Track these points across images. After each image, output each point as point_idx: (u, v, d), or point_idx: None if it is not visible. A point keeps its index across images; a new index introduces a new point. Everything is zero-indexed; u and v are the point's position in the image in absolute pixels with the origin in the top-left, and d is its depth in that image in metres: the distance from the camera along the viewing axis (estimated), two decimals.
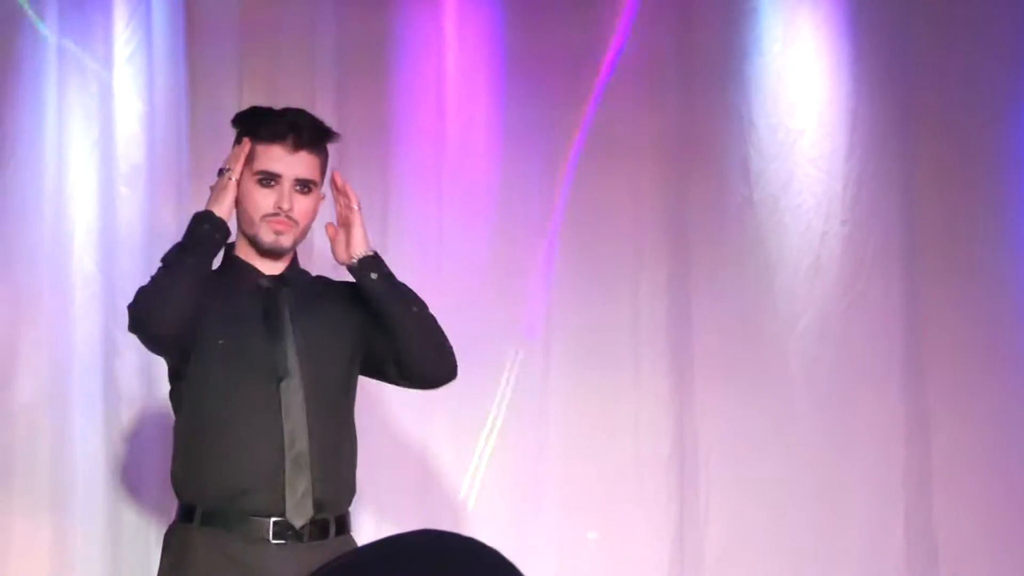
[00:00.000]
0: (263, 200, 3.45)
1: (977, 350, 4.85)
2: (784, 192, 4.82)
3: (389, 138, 4.69)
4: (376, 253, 3.51)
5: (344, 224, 3.52)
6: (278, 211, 3.44)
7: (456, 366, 3.56)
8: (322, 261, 3.72)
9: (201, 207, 3.48)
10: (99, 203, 4.45)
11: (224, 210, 3.44)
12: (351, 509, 3.52)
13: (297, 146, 3.45)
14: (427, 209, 4.69)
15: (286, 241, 3.47)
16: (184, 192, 4.38)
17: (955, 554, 4.78)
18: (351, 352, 3.53)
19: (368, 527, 4.34)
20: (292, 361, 3.43)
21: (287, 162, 3.45)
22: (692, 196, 4.80)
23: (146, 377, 4.31)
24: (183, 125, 4.50)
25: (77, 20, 4.46)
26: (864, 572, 4.76)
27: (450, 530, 2.03)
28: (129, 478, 4.40)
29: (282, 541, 3.37)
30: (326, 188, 3.55)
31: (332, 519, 3.44)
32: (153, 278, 3.38)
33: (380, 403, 4.52)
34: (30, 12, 4.44)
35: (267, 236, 3.46)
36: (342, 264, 3.53)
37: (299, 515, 3.38)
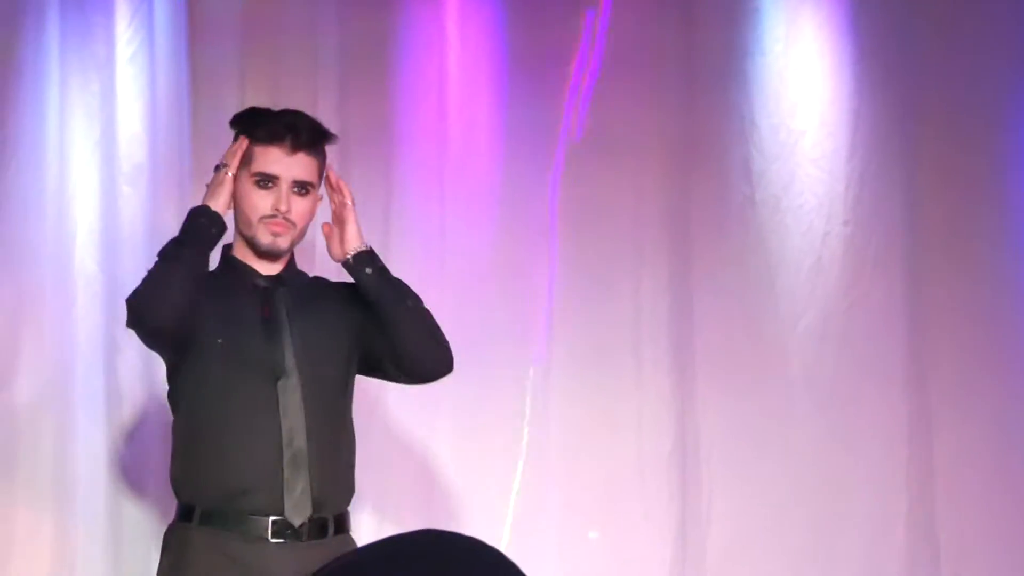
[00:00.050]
0: (261, 201, 3.45)
1: (979, 350, 4.85)
2: (786, 192, 4.82)
3: (391, 137, 4.69)
4: (371, 248, 3.52)
5: (339, 221, 3.53)
6: (276, 213, 3.45)
7: (452, 359, 3.57)
8: (324, 262, 3.72)
9: None
10: (101, 203, 4.45)
11: (220, 205, 3.45)
12: (350, 509, 3.52)
13: (295, 148, 3.45)
14: (429, 208, 4.69)
15: (283, 243, 3.48)
16: (186, 192, 4.38)
17: (957, 553, 4.78)
18: (348, 352, 3.53)
19: (369, 527, 4.34)
20: (290, 360, 3.44)
21: (285, 164, 3.45)
22: (694, 195, 4.80)
23: (148, 376, 4.31)
24: (185, 125, 4.50)
25: (79, 20, 4.46)
26: (866, 571, 4.76)
27: (451, 530, 2.03)
28: (131, 477, 4.40)
29: (281, 540, 3.38)
30: (323, 188, 3.55)
31: (331, 518, 3.44)
32: (150, 272, 3.39)
33: (381, 403, 4.52)
34: None
35: (265, 238, 3.47)
36: (337, 261, 3.54)
37: (298, 514, 3.38)
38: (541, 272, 4.73)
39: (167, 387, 3.53)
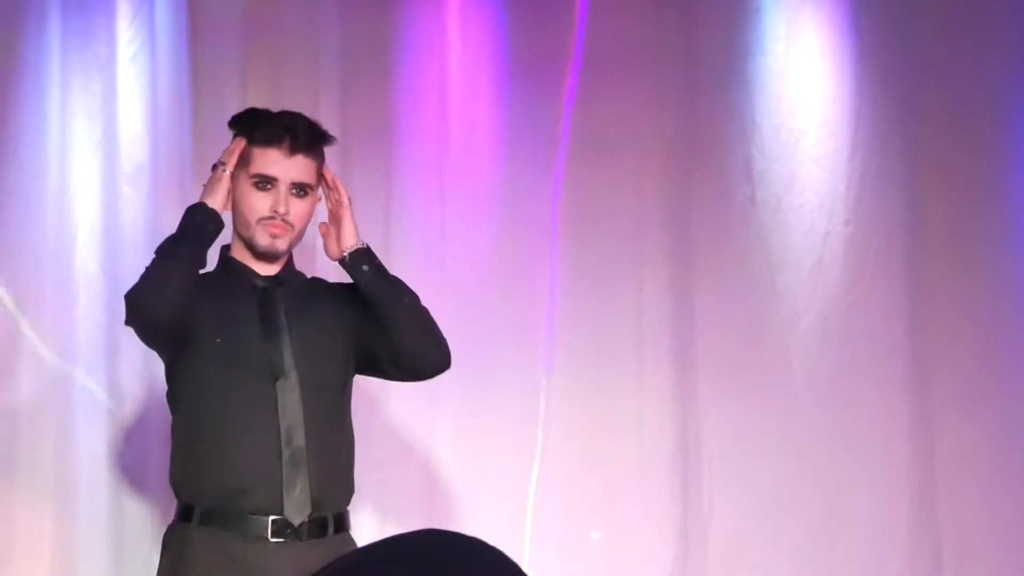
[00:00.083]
0: (259, 203, 3.46)
1: (980, 349, 4.85)
2: (787, 192, 4.82)
3: (392, 138, 4.69)
4: (367, 245, 3.53)
5: (335, 219, 3.54)
6: (274, 214, 3.45)
7: (450, 356, 3.57)
8: (325, 263, 3.72)
9: None
10: (102, 203, 4.45)
11: (217, 202, 3.45)
12: (349, 508, 3.52)
13: (293, 150, 3.46)
14: (430, 209, 4.69)
15: (282, 244, 3.48)
16: (188, 192, 4.37)
17: (959, 553, 4.78)
18: (346, 352, 3.53)
19: (371, 527, 4.34)
20: (288, 360, 3.44)
21: (283, 166, 3.46)
22: (695, 195, 4.80)
23: (149, 376, 4.31)
24: (186, 125, 4.50)
25: (80, 20, 4.46)
26: (867, 571, 4.76)
27: (453, 530, 2.03)
28: (132, 477, 4.40)
29: (281, 539, 3.38)
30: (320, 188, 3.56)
31: (331, 517, 3.44)
32: (148, 268, 3.39)
33: (383, 403, 4.52)
34: None
35: (263, 239, 3.47)
36: (334, 259, 3.55)
37: (297, 513, 3.38)
38: (542, 272, 4.73)
39: (167, 387, 3.53)
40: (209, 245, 3.44)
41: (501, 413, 4.66)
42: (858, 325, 4.82)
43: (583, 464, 4.69)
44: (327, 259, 3.60)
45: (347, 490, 3.52)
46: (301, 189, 3.48)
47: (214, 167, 3.49)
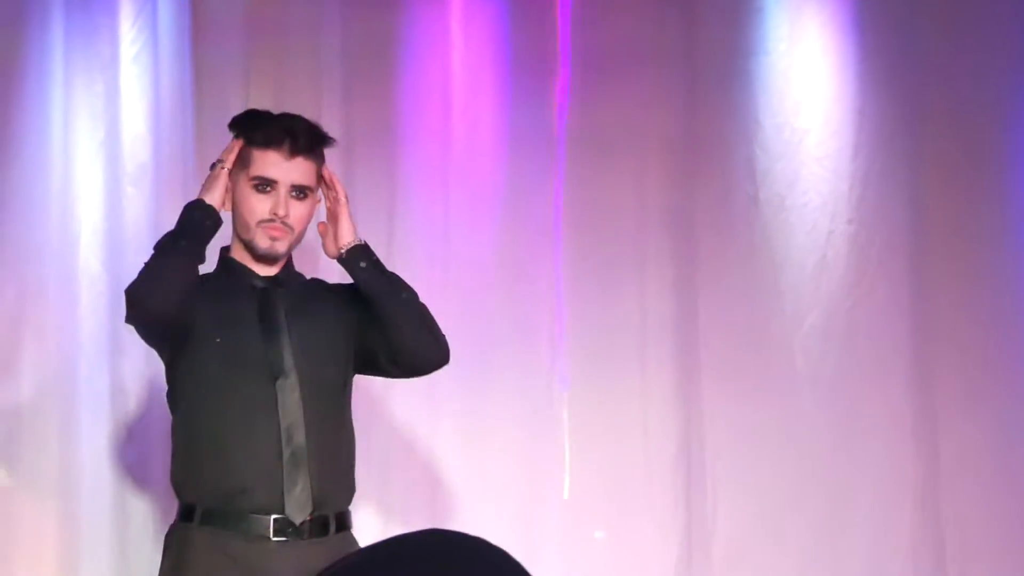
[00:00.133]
0: (259, 205, 3.46)
1: (983, 348, 4.85)
2: (790, 191, 4.82)
3: (395, 138, 4.69)
4: (365, 242, 3.53)
5: (332, 217, 3.55)
6: (274, 217, 3.46)
7: (448, 351, 3.58)
8: (328, 265, 3.73)
9: None
10: (105, 203, 4.45)
11: (215, 198, 3.46)
12: (352, 508, 3.52)
13: (293, 152, 3.46)
14: (433, 209, 4.69)
15: (281, 247, 3.49)
16: (190, 191, 4.34)
17: (962, 553, 4.78)
18: (346, 351, 3.54)
19: (375, 527, 4.34)
20: (288, 360, 3.44)
21: (283, 168, 3.46)
22: (698, 195, 4.80)
23: (151, 376, 4.31)
24: (189, 125, 4.50)
25: (83, 20, 4.46)
26: (871, 571, 4.76)
27: (456, 529, 2.03)
28: (135, 476, 4.40)
29: (283, 538, 3.38)
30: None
31: (332, 516, 3.44)
32: (147, 263, 3.40)
33: (386, 403, 4.52)
34: None
35: (263, 242, 3.48)
36: (332, 257, 3.56)
37: (298, 511, 3.38)
38: (545, 273, 4.73)
39: (166, 387, 3.54)
40: (208, 241, 3.44)
41: (504, 413, 4.66)
42: (861, 324, 4.82)
43: (586, 464, 4.69)
44: (329, 261, 3.60)
45: (348, 489, 3.52)
46: (301, 191, 3.48)
47: (213, 166, 3.50)
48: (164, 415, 3.56)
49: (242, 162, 3.47)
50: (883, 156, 4.84)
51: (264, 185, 3.46)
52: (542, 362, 4.70)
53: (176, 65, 4.51)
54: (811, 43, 4.85)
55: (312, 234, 3.59)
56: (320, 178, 3.54)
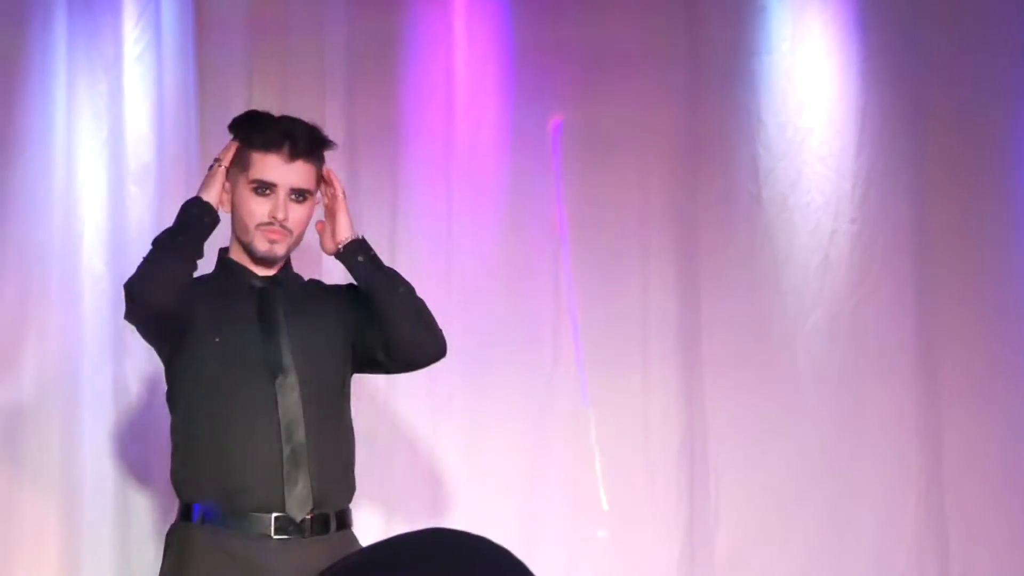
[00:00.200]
0: (258, 208, 3.47)
1: (987, 346, 4.85)
2: (793, 190, 4.82)
3: (398, 137, 4.69)
4: (362, 237, 3.54)
5: (330, 213, 3.55)
6: (272, 220, 3.46)
7: (445, 344, 3.58)
8: (330, 267, 3.73)
9: None
10: (109, 202, 4.46)
11: (212, 196, 3.47)
12: (353, 507, 3.53)
13: (293, 156, 3.46)
14: (436, 207, 4.69)
15: (280, 250, 3.50)
16: (193, 191, 4.33)
17: (966, 548, 4.78)
18: (344, 350, 3.54)
19: (378, 526, 4.35)
20: (287, 359, 3.44)
21: (283, 171, 3.46)
22: (701, 194, 4.80)
23: (154, 375, 4.31)
24: (192, 124, 4.50)
25: (86, 20, 4.47)
26: (875, 568, 4.76)
27: (459, 528, 2.03)
28: (138, 475, 4.41)
29: (284, 536, 3.38)
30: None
31: (332, 514, 3.45)
32: (145, 258, 3.41)
33: (389, 402, 4.53)
34: None
35: (261, 245, 3.48)
36: (329, 253, 3.56)
37: (299, 509, 3.39)
38: (548, 271, 4.73)
39: (166, 387, 3.54)
40: (205, 237, 3.45)
41: (507, 411, 4.66)
42: (865, 323, 4.82)
43: (589, 462, 4.69)
44: (331, 263, 3.61)
45: (348, 487, 3.52)
46: (300, 195, 3.49)
47: (210, 167, 3.52)
48: (166, 414, 3.56)
49: (241, 165, 3.48)
50: (886, 155, 4.84)
51: (263, 188, 3.47)
52: (545, 360, 4.70)
53: (179, 64, 4.52)
54: (814, 42, 4.85)
55: (313, 234, 3.59)
56: (320, 180, 3.54)
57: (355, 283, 3.58)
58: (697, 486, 4.72)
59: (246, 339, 3.45)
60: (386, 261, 3.61)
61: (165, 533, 3.55)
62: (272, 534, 3.38)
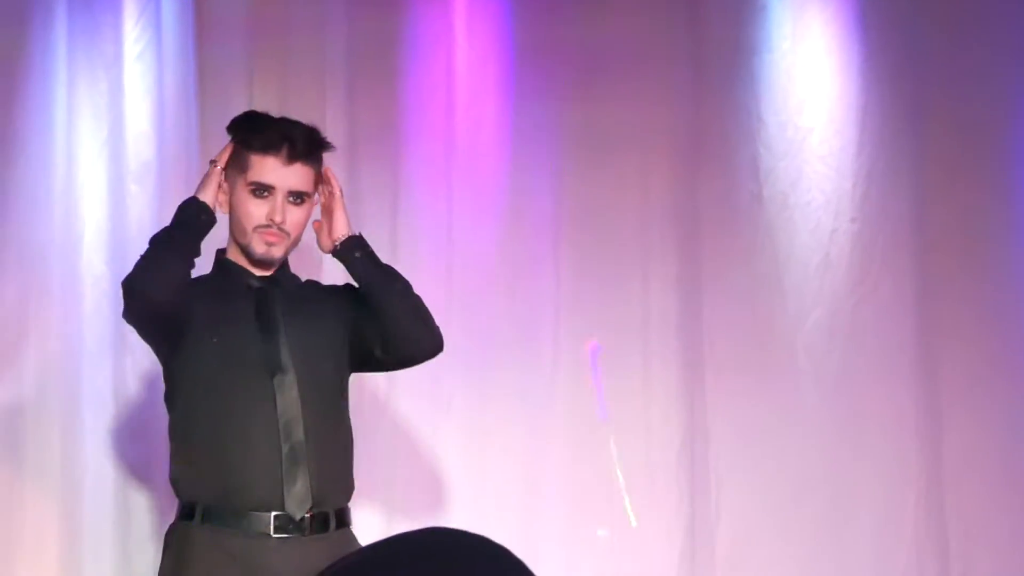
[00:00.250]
0: (256, 210, 3.47)
1: (988, 346, 4.85)
2: (793, 189, 4.82)
3: (399, 137, 4.69)
4: (359, 234, 3.54)
5: (327, 211, 3.56)
6: (270, 223, 3.46)
7: (442, 339, 3.59)
8: (331, 269, 3.74)
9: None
10: (109, 201, 4.46)
11: (208, 196, 3.48)
12: (353, 507, 3.53)
13: (291, 158, 3.46)
14: (437, 207, 4.69)
15: (277, 252, 3.50)
16: (194, 190, 4.38)
17: (966, 548, 4.78)
18: (342, 349, 3.54)
19: (379, 525, 4.35)
20: (286, 357, 3.45)
21: (281, 174, 3.46)
22: (702, 193, 4.80)
23: (155, 375, 4.31)
24: (193, 123, 4.50)
25: (86, 19, 4.47)
26: (875, 567, 4.75)
27: (459, 528, 2.03)
28: (138, 474, 4.41)
29: (284, 535, 3.38)
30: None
31: (332, 513, 3.45)
32: (142, 255, 3.42)
33: (390, 402, 4.53)
34: None
35: (259, 247, 3.48)
36: (326, 251, 3.57)
37: (298, 507, 3.39)
38: (548, 270, 4.73)
39: (164, 387, 3.54)
40: (202, 235, 3.46)
41: (507, 411, 4.66)
42: (865, 322, 4.81)
43: (589, 462, 4.69)
44: (332, 266, 3.61)
45: (347, 486, 3.52)
46: (298, 197, 3.49)
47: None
48: (166, 414, 3.56)
49: (240, 166, 3.48)
50: (886, 154, 4.84)
51: (261, 190, 3.47)
52: (545, 359, 4.70)
53: (180, 63, 4.52)
54: (814, 41, 4.85)
55: (313, 234, 3.59)
56: (318, 182, 3.54)
57: (352, 283, 3.58)
58: (697, 486, 4.72)
59: (244, 338, 3.45)
60: (387, 261, 3.61)
61: (165, 531, 3.55)
62: (272, 533, 3.38)
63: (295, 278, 3.61)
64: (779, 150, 4.82)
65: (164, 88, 4.49)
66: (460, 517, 4.46)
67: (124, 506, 4.39)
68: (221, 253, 3.56)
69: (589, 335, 4.72)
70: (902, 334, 4.81)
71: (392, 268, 3.57)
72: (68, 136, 4.44)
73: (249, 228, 3.48)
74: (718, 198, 4.80)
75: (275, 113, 3.62)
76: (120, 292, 3.43)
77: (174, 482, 3.49)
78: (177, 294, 3.37)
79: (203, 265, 3.51)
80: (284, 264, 3.56)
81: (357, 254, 3.53)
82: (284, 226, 3.47)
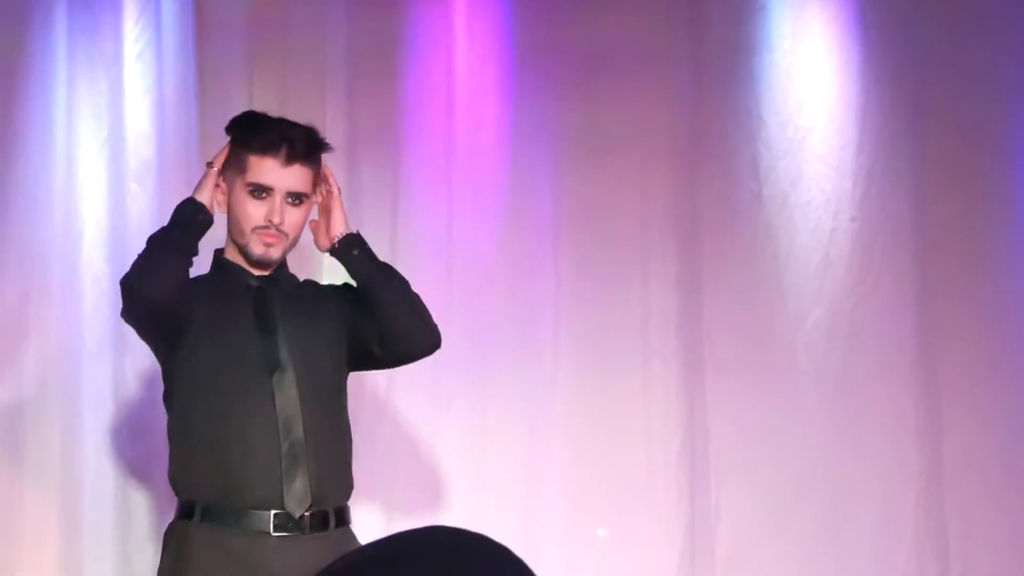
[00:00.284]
0: (255, 211, 3.47)
1: (987, 345, 4.85)
2: (793, 189, 4.82)
3: (399, 136, 4.69)
4: (357, 232, 3.54)
5: (324, 210, 3.56)
6: (268, 224, 3.46)
7: (439, 336, 3.59)
8: (332, 270, 3.74)
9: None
10: (109, 200, 4.45)
11: (204, 196, 3.49)
12: (353, 505, 3.53)
13: (290, 159, 3.46)
14: (437, 207, 4.69)
15: (275, 253, 3.50)
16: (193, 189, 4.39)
17: (966, 548, 4.78)
18: (340, 347, 3.55)
19: (379, 524, 4.35)
20: (284, 355, 3.45)
21: (279, 175, 3.46)
22: (702, 193, 4.80)
23: (155, 374, 4.31)
24: (193, 122, 4.50)
25: (86, 18, 4.47)
26: (875, 567, 4.75)
27: (460, 527, 2.03)
28: (138, 474, 4.40)
29: (284, 533, 3.38)
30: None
31: (331, 511, 3.45)
32: (140, 255, 3.42)
33: (391, 402, 4.52)
34: None
35: (257, 248, 3.49)
36: (324, 250, 3.57)
37: (297, 505, 3.39)
38: (548, 270, 4.73)
39: (163, 387, 3.54)
40: (199, 235, 3.46)
41: (507, 411, 4.66)
42: (865, 321, 4.81)
43: (590, 462, 4.69)
44: (333, 268, 3.61)
45: (346, 484, 3.52)
46: (296, 198, 3.49)
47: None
48: (165, 414, 3.56)
49: (238, 167, 3.48)
50: (886, 153, 4.84)
51: (260, 191, 3.47)
52: (545, 359, 4.70)
53: (180, 63, 4.52)
54: (814, 41, 4.85)
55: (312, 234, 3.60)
56: (317, 183, 3.54)
57: (350, 283, 3.58)
58: (697, 486, 4.72)
59: (243, 337, 3.45)
60: (386, 261, 3.61)
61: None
62: (271, 531, 3.38)
63: (293, 278, 3.61)
64: (779, 149, 4.82)
65: (164, 87, 4.49)
66: (460, 516, 4.46)
67: (124, 506, 4.39)
68: (219, 253, 3.56)
69: (589, 335, 4.72)
70: (902, 334, 4.81)
71: (390, 265, 3.58)
72: (68, 136, 4.44)
73: (247, 229, 3.48)
74: (718, 198, 4.80)
75: (275, 113, 3.62)
76: (120, 291, 3.43)
77: (173, 481, 3.49)
78: (175, 293, 3.37)
79: (201, 265, 3.51)
80: (282, 264, 3.57)
81: (355, 252, 3.54)
82: (282, 227, 3.47)
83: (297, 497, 3.38)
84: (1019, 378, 4.85)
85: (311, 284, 3.67)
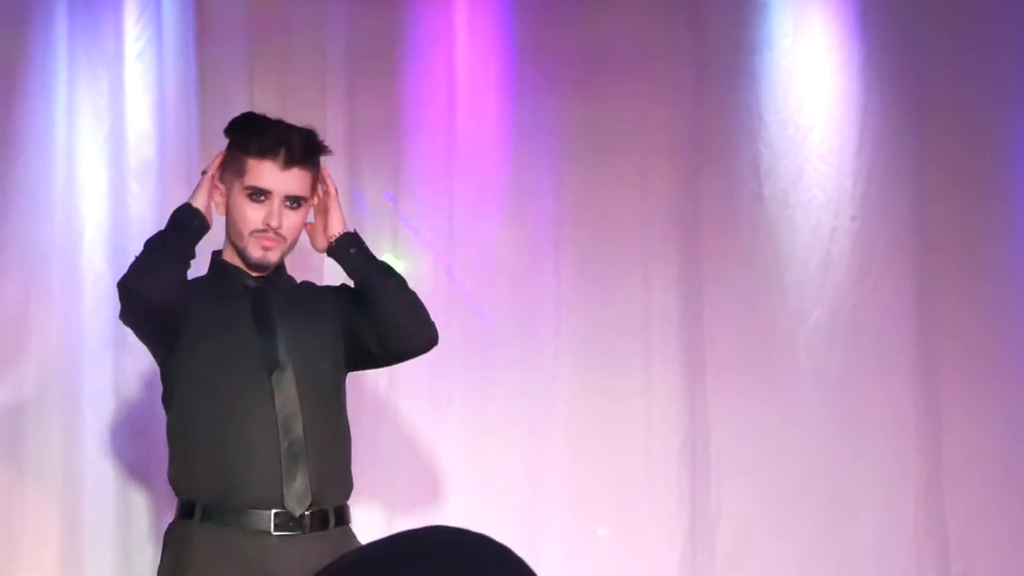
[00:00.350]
0: (253, 214, 3.47)
1: (987, 344, 4.85)
2: (794, 188, 4.82)
3: (400, 135, 4.69)
4: (354, 231, 3.54)
5: (322, 210, 3.55)
6: (267, 228, 3.46)
7: (437, 333, 3.59)
8: (332, 272, 3.74)
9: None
10: (110, 199, 4.45)
11: (200, 202, 3.49)
12: (352, 505, 3.53)
13: (288, 163, 3.46)
14: (437, 206, 4.69)
15: (273, 256, 3.50)
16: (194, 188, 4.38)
17: (966, 548, 4.78)
18: (339, 347, 3.54)
19: (380, 524, 4.34)
20: (283, 354, 3.45)
21: (278, 179, 3.46)
22: (703, 192, 4.80)
23: (155, 374, 4.31)
24: (194, 121, 4.50)
25: (87, 17, 4.46)
26: (875, 567, 4.75)
27: (460, 527, 2.03)
28: (138, 474, 4.40)
29: (284, 532, 3.38)
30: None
31: (331, 510, 3.45)
32: (137, 257, 3.43)
33: (391, 402, 4.52)
34: None
35: (255, 252, 3.49)
36: (321, 250, 3.57)
37: (298, 504, 3.39)
38: (549, 269, 4.73)
39: (162, 388, 3.54)
40: (196, 239, 3.46)
41: (507, 410, 4.66)
42: (865, 321, 4.81)
43: (590, 461, 4.69)
44: (333, 269, 3.61)
45: (346, 484, 3.52)
46: (295, 201, 3.49)
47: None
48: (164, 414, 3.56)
49: (237, 169, 3.48)
50: (887, 153, 4.84)
51: (258, 195, 3.47)
52: (546, 359, 4.70)
53: (180, 62, 4.51)
54: (815, 40, 4.85)
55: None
56: (315, 186, 3.54)
57: (347, 283, 3.58)
58: (698, 485, 4.72)
59: (241, 337, 3.45)
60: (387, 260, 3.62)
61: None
62: (271, 530, 3.38)
63: (291, 279, 3.61)
64: (780, 149, 4.81)
65: (165, 86, 4.49)
66: (460, 516, 4.46)
67: (124, 506, 4.39)
68: (217, 254, 3.56)
69: (590, 334, 4.72)
70: (902, 332, 4.81)
71: (387, 264, 3.58)
72: (68, 135, 4.44)
73: (246, 232, 3.47)
74: (719, 197, 4.80)
75: (275, 112, 3.61)
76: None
77: (173, 481, 3.49)
78: (173, 294, 3.37)
79: (199, 267, 3.51)
80: (280, 265, 3.56)
81: (352, 250, 3.54)
82: (281, 231, 3.47)
83: (297, 496, 3.38)
84: (1019, 378, 4.85)
85: (309, 285, 3.67)
